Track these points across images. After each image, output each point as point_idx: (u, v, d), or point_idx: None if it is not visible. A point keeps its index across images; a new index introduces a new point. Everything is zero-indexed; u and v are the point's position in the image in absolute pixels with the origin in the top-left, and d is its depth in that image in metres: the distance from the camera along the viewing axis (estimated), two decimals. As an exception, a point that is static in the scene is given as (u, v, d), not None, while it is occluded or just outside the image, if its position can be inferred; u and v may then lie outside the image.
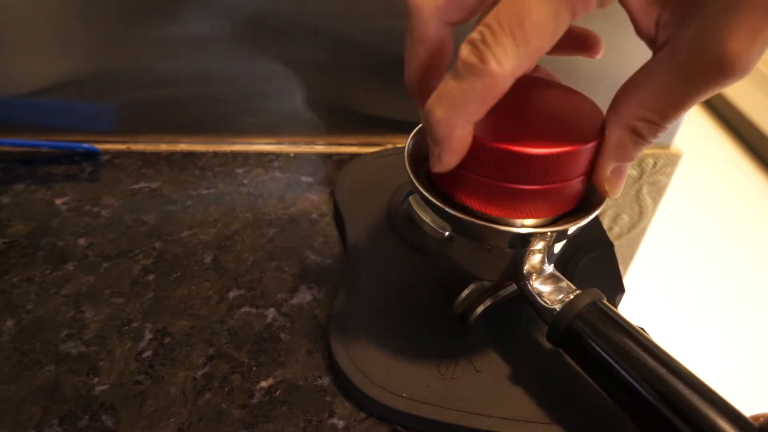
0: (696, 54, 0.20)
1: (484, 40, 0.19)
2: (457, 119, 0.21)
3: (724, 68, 0.19)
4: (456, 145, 0.22)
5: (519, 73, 0.20)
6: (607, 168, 0.24)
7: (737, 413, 0.22)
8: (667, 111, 0.21)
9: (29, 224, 0.37)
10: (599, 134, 0.24)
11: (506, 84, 0.20)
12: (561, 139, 0.23)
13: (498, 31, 0.19)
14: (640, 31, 0.22)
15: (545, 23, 0.19)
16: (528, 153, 0.23)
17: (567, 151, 0.23)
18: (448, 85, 0.20)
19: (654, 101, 0.21)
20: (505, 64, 0.19)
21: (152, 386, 0.28)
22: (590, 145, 0.24)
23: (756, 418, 0.22)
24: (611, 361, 0.25)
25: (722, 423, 0.22)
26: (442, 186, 0.25)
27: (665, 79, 0.21)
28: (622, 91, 0.23)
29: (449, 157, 0.22)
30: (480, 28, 0.20)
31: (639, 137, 0.22)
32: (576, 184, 0.25)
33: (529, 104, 0.26)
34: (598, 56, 0.29)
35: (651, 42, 0.22)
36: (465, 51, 0.20)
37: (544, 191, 0.24)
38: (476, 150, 0.23)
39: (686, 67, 0.20)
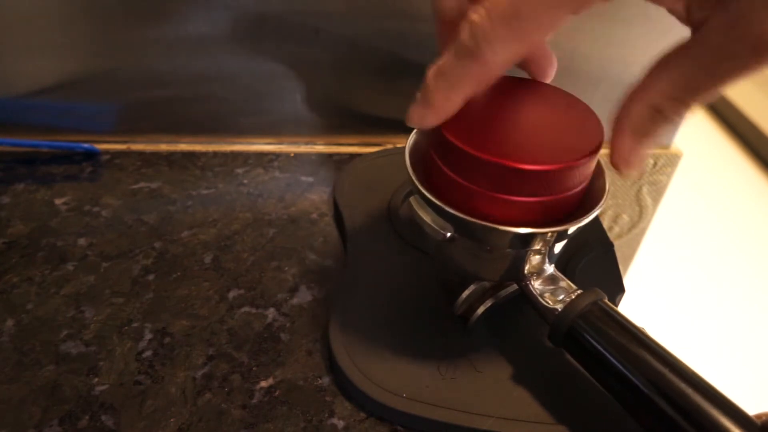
0: (732, 35, 0.19)
1: (482, 27, 0.20)
2: (453, 93, 0.23)
3: (762, 50, 0.19)
4: (445, 113, 0.23)
5: (514, 61, 0.21)
6: (624, 142, 0.23)
7: (740, 412, 0.22)
8: (697, 91, 0.21)
9: (29, 224, 0.37)
10: (598, 147, 0.24)
11: (500, 70, 0.21)
12: (559, 152, 0.23)
13: (495, 21, 0.20)
14: (673, 13, 0.22)
15: (543, 17, 0.20)
16: (525, 168, 0.23)
17: (564, 167, 0.23)
18: (448, 60, 0.22)
19: (685, 81, 0.21)
20: (500, 54, 0.20)
21: (152, 386, 0.28)
22: (589, 159, 0.24)
23: (759, 416, 0.22)
24: (614, 360, 0.25)
25: (725, 421, 0.22)
26: (441, 195, 0.25)
27: (699, 60, 0.21)
28: (653, 69, 0.22)
29: (434, 120, 0.24)
30: (480, 10, 0.20)
31: (660, 114, 0.22)
32: (574, 194, 0.25)
33: (529, 112, 0.26)
34: (547, 80, 0.28)
35: (686, 23, 0.22)
36: (464, 33, 0.21)
37: (544, 202, 0.24)
38: (474, 163, 0.23)
39: (722, 48, 0.20)
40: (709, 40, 0.20)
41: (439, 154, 0.25)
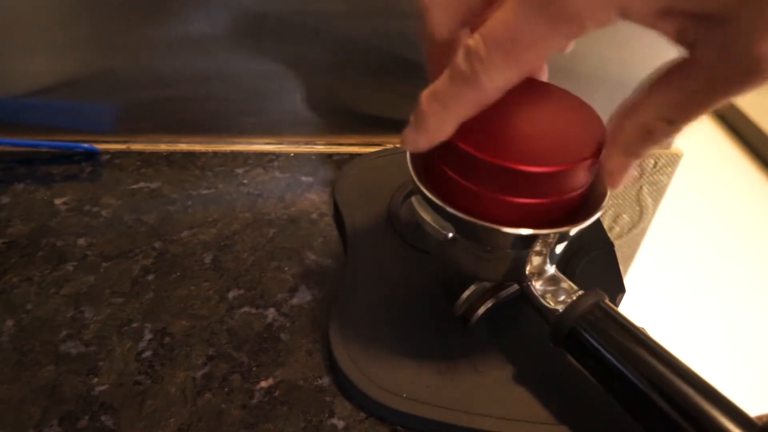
0: (725, 57, 0.19)
1: (477, 53, 0.20)
2: (447, 117, 0.22)
3: (754, 71, 0.19)
4: (438, 137, 0.23)
5: (509, 86, 0.21)
6: (614, 161, 0.24)
7: (741, 412, 0.22)
8: (689, 113, 0.21)
9: (29, 224, 0.37)
10: (600, 148, 0.24)
11: (495, 95, 0.21)
12: (562, 154, 0.23)
13: (491, 46, 0.20)
14: (666, 35, 0.21)
15: (539, 43, 0.20)
16: (527, 170, 0.23)
17: (567, 169, 0.23)
18: (443, 84, 0.22)
19: (677, 102, 0.21)
20: (495, 79, 0.20)
21: (152, 386, 0.28)
22: (590, 161, 0.24)
23: (760, 417, 0.22)
24: (615, 361, 0.25)
25: (726, 422, 0.22)
26: (442, 196, 0.25)
27: (692, 82, 0.20)
28: (646, 87, 0.22)
29: (426, 144, 0.23)
30: (476, 36, 0.20)
31: (651, 135, 0.22)
32: (576, 196, 0.25)
33: (532, 113, 0.26)
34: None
35: (679, 44, 0.21)
36: (460, 58, 0.21)
37: (546, 204, 0.24)
38: (476, 164, 0.23)
39: (714, 70, 0.20)
40: (702, 61, 0.20)
41: (441, 155, 0.25)
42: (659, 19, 0.20)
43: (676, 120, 0.21)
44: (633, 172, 0.24)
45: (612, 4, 0.19)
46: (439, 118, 0.22)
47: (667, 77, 0.21)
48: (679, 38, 0.20)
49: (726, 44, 0.19)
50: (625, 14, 0.19)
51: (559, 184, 0.24)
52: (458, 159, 0.24)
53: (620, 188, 0.25)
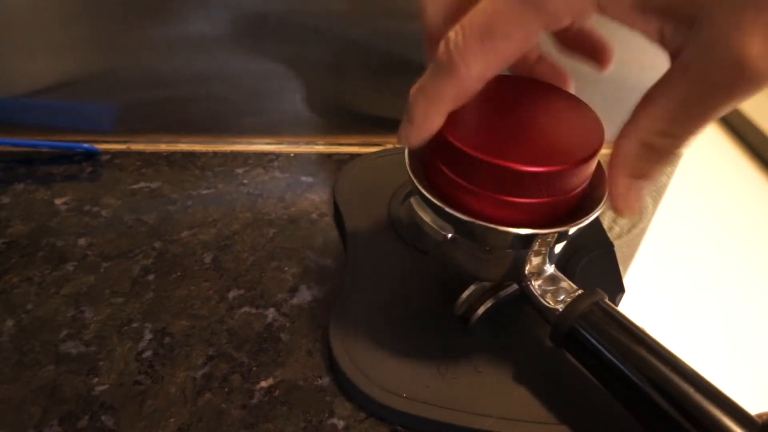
0: (711, 63, 0.18)
1: (456, 41, 0.20)
2: (432, 109, 0.23)
3: (744, 74, 0.17)
4: (426, 131, 0.24)
5: (488, 76, 0.21)
6: (620, 183, 0.22)
7: (741, 411, 0.22)
8: (687, 124, 0.20)
9: (29, 224, 0.37)
10: (598, 148, 0.24)
11: (475, 85, 0.21)
12: (560, 154, 0.23)
13: (468, 36, 0.20)
14: (649, 37, 0.20)
15: (514, 33, 0.20)
16: (525, 170, 0.23)
17: (565, 169, 0.23)
18: (426, 76, 0.22)
19: (672, 114, 0.20)
20: (473, 68, 0.21)
21: (152, 386, 0.28)
22: (589, 161, 0.24)
23: (760, 416, 0.22)
24: (615, 360, 0.25)
25: (726, 420, 0.22)
26: (441, 196, 0.25)
27: (682, 92, 0.19)
28: (641, 102, 0.21)
29: (416, 138, 0.24)
30: (456, 28, 0.20)
31: (653, 152, 0.21)
32: (575, 195, 0.25)
33: (530, 113, 0.26)
34: (606, 71, 0.27)
35: (663, 47, 0.20)
36: (441, 49, 0.21)
37: (544, 203, 0.24)
38: (475, 164, 0.23)
39: (703, 77, 0.19)
40: (686, 68, 0.19)
41: (439, 155, 0.25)
42: (638, 18, 0.19)
43: (674, 133, 0.20)
44: (645, 196, 0.23)
45: None
46: (424, 110, 0.23)
47: (660, 88, 0.20)
48: (662, 41, 0.20)
49: (707, 47, 0.18)
50: (602, 8, 0.19)
51: (558, 184, 0.24)
52: (457, 159, 0.24)
53: (635, 214, 0.23)
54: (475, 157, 0.23)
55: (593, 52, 0.27)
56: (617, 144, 0.22)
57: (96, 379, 0.29)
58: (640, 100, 0.21)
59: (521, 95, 0.26)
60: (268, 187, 0.41)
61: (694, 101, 0.19)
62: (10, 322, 0.31)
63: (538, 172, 0.23)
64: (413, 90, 0.23)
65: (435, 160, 0.25)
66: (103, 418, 0.27)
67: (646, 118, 0.21)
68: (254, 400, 0.28)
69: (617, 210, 0.23)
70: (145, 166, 0.42)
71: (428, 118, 0.23)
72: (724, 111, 0.19)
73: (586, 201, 0.26)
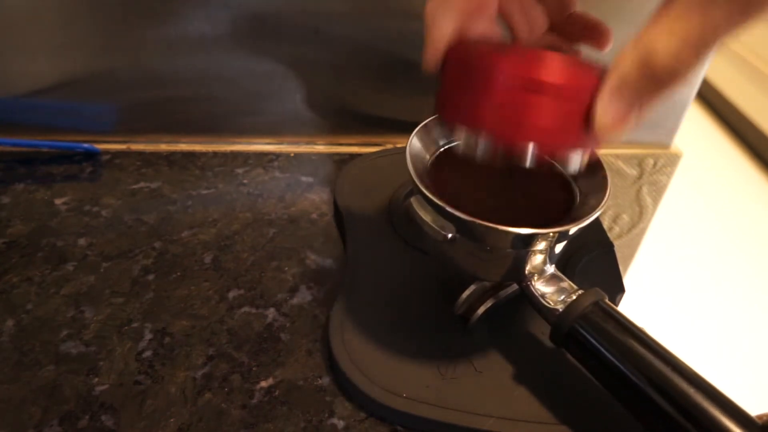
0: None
1: None
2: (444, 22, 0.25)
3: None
4: (440, 41, 0.25)
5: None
6: (605, 97, 0.21)
7: (741, 411, 0.22)
8: (688, 40, 0.19)
9: (29, 224, 0.37)
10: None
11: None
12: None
13: None
14: None
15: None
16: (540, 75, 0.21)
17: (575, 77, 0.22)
18: None
19: (671, 29, 0.19)
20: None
21: (152, 386, 0.28)
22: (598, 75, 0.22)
23: (760, 417, 0.22)
24: (615, 360, 0.25)
25: (726, 421, 0.22)
26: (442, 191, 0.25)
27: (686, 4, 0.18)
28: (647, 22, 0.20)
29: (433, 51, 0.25)
30: None
31: (648, 69, 0.20)
32: (582, 104, 0.22)
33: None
34: (606, 49, 0.28)
35: None
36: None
37: (556, 103, 0.22)
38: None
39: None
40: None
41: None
42: None
43: (674, 48, 0.19)
44: (631, 124, 0.21)
45: None
46: (438, 22, 0.25)
47: (665, 5, 0.19)
48: None
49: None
50: None
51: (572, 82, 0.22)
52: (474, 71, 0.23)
53: (612, 136, 0.22)
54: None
55: (591, 34, 0.28)
56: (616, 58, 0.21)
57: (96, 379, 0.29)
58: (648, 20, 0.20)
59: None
60: (268, 187, 0.41)
61: (698, 14, 0.18)
62: (10, 322, 0.31)
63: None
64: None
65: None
66: (103, 418, 0.27)
67: (647, 33, 0.20)
68: (254, 400, 0.28)
69: (595, 128, 0.22)
70: (145, 166, 0.42)
71: (441, 27, 0.24)
72: (729, 31, 0.18)
73: (587, 201, 0.26)
